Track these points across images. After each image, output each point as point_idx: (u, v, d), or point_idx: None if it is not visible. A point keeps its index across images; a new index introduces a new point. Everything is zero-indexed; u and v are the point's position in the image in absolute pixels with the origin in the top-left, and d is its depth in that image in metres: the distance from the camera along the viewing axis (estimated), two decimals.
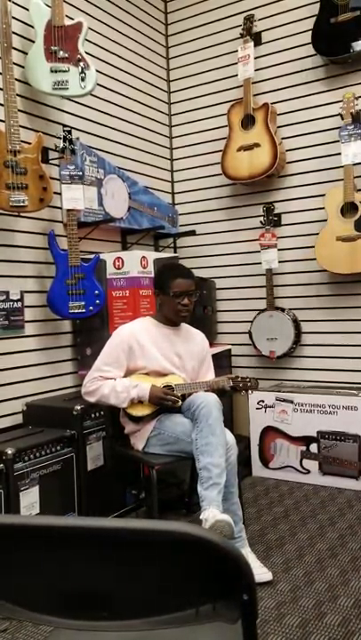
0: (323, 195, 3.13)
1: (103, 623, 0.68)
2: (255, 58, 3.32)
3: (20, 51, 2.62)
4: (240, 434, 3.26)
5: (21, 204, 2.35)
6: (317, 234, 3.11)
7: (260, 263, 3.33)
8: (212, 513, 1.80)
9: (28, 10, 2.62)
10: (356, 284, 3.15)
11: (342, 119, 2.96)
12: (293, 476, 3.02)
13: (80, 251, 2.64)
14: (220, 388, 2.19)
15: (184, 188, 3.80)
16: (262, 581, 1.97)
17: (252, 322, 3.37)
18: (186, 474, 2.67)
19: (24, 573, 0.69)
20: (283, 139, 3.33)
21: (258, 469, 3.14)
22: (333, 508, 2.65)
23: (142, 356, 2.19)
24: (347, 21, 2.94)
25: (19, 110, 2.43)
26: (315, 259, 3.11)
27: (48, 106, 2.80)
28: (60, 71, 2.57)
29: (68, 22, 2.60)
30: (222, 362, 3.40)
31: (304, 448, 2.99)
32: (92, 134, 3.12)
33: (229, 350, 3.56)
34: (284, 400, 3.06)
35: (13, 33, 2.47)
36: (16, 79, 2.46)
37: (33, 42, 2.59)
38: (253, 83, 3.31)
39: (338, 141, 3.00)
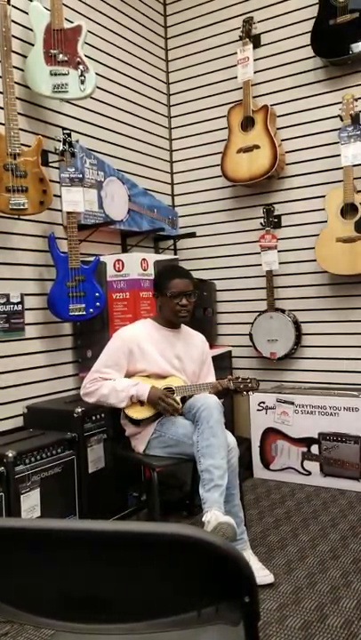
0: (323, 196, 3.13)
1: (104, 626, 0.68)
2: (254, 60, 3.33)
3: (19, 54, 2.63)
4: (241, 435, 3.25)
5: (21, 207, 2.35)
6: (318, 235, 3.11)
7: (260, 265, 3.33)
8: (214, 515, 1.80)
9: (27, 13, 2.62)
10: (356, 284, 3.15)
11: (342, 120, 2.97)
12: (295, 478, 3.02)
13: (80, 253, 2.64)
14: (224, 388, 2.18)
15: (184, 190, 3.80)
16: (264, 583, 1.97)
17: (252, 323, 3.37)
18: (187, 476, 2.67)
19: (25, 576, 0.69)
20: (282, 140, 3.34)
21: (259, 471, 3.13)
22: (335, 510, 2.64)
23: (142, 359, 2.19)
24: (346, 23, 2.95)
25: (18, 113, 2.43)
26: (315, 260, 3.12)
27: (48, 109, 2.81)
28: (59, 74, 2.58)
29: (67, 25, 2.61)
30: (223, 363, 3.40)
31: (305, 449, 2.99)
32: (92, 137, 3.12)
33: (230, 352, 3.55)
34: (284, 401, 3.05)
35: (13, 36, 2.47)
36: (16, 82, 2.47)
37: (32, 45, 2.60)
38: (253, 85, 3.32)
39: (338, 143, 3.00)
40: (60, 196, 2.70)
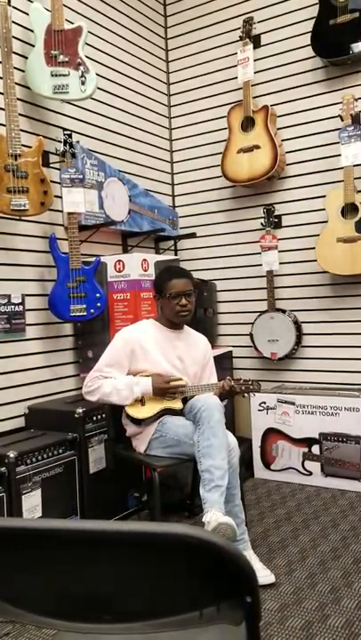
0: (323, 196, 3.14)
1: (106, 626, 0.68)
2: (255, 60, 3.33)
3: (20, 55, 2.63)
4: (242, 436, 3.25)
5: (22, 208, 2.36)
6: (318, 235, 3.11)
7: (260, 265, 3.34)
8: (214, 515, 1.80)
9: (28, 14, 2.63)
10: (357, 285, 3.15)
11: (342, 120, 2.97)
12: (295, 478, 3.02)
13: (81, 254, 2.64)
14: (227, 390, 2.17)
15: (184, 191, 3.80)
16: (265, 584, 1.97)
17: (253, 324, 3.37)
18: (188, 476, 2.67)
19: (27, 576, 0.69)
20: (283, 140, 3.34)
21: (260, 471, 3.13)
22: (336, 510, 2.65)
23: (144, 359, 2.19)
24: (346, 23, 2.95)
25: (19, 114, 2.44)
26: (315, 260, 3.12)
27: (48, 110, 2.81)
28: (60, 75, 2.58)
29: (68, 26, 2.61)
30: (223, 364, 3.40)
31: (306, 450, 2.99)
32: (93, 137, 3.13)
33: (231, 352, 3.56)
34: (285, 402, 3.06)
35: (14, 37, 2.48)
36: (16, 83, 2.47)
37: (33, 46, 2.60)
38: (253, 85, 3.32)
39: (338, 143, 3.00)
40: (60, 197, 2.70)
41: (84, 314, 2.64)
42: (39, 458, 2.19)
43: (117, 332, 2.28)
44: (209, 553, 0.62)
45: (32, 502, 2.13)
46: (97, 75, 2.74)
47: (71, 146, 2.65)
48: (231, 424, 3.36)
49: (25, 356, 2.64)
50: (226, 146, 3.37)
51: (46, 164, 2.72)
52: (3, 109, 2.46)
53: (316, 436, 2.95)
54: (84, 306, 2.64)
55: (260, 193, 3.46)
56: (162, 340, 2.24)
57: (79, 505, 2.36)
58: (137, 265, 2.80)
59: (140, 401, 2.16)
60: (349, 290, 3.19)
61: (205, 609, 0.66)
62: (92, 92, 2.65)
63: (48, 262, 2.72)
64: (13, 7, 2.61)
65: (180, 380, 2.17)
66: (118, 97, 3.36)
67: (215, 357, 2.51)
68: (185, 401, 2.19)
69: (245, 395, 2.21)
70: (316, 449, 2.96)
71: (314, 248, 3.13)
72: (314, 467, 2.97)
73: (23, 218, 2.53)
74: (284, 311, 3.31)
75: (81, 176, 2.68)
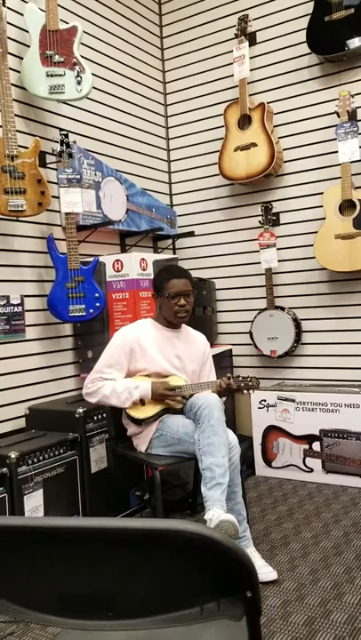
0: (321, 193, 3.14)
1: (109, 622, 0.69)
2: (250, 58, 3.33)
3: (15, 56, 2.63)
4: (242, 433, 3.26)
5: (20, 209, 2.36)
6: (316, 232, 3.11)
7: (259, 263, 3.34)
8: (216, 513, 1.81)
9: (22, 15, 2.63)
10: (355, 281, 3.15)
11: (338, 117, 2.97)
12: (297, 475, 3.02)
13: (79, 254, 2.65)
14: (225, 388, 2.18)
15: (182, 190, 3.80)
16: (268, 580, 1.98)
17: (252, 321, 3.38)
18: (189, 475, 2.67)
19: (29, 574, 0.69)
20: (279, 138, 3.34)
21: (261, 469, 3.14)
22: (337, 506, 2.65)
23: (143, 358, 2.19)
24: (341, 19, 2.95)
25: (15, 115, 2.44)
26: (314, 257, 3.12)
27: (45, 110, 2.81)
28: (55, 75, 2.58)
29: (62, 26, 2.61)
30: (223, 362, 3.40)
31: (307, 446, 2.99)
32: (89, 137, 3.13)
33: (230, 350, 3.56)
34: (285, 399, 3.06)
35: (8, 38, 2.48)
36: (12, 84, 2.47)
37: (28, 47, 2.60)
38: (249, 82, 3.32)
39: (335, 139, 3.01)
40: (58, 197, 2.71)
41: (84, 314, 2.65)
42: (40, 458, 2.19)
43: (116, 331, 2.28)
44: (209, 549, 0.62)
45: (34, 502, 2.13)
46: (93, 74, 2.74)
47: (68, 146, 2.65)
48: (232, 422, 3.37)
49: (25, 357, 2.64)
50: (223, 144, 3.37)
51: (43, 164, 2.73)
52: None
53: (317, 433, 2.96)
54: (83, 306, 2.64)
55: (258, 191, 3.47)
56: (160, 339, 2.24)
57: (81, 504, 2.36)
58: (135, 264, 2.80)
59: (141, 401, 2.16)
60: (348, 286, 3.19)
61: (206, 605, 0.66)
62: (88, 91, 2.65)
63: (46, 263, 2.72)
64: (8, 8, 2.61)
65: (180, 389, 2.16)
66: (114, 96, 3.35)
67: (215, 356, 2.52)
68: (185, 399, 2.19)
69: (245, 392, 2.21)
70: (316, 446, 2.96)
71: (312, 245, 3.13)
72: (315, 463, 2.97)
73: (21, 218, 2.54)
74: (283, 309, 3.31)
75: (78, 176, 2.69)
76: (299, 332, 3.30)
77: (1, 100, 2.35)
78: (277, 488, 2.95)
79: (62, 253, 2.63)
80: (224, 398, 2.17)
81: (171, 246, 3.78)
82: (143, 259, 2.87)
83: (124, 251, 3.32)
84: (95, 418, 2.45)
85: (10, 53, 2.48)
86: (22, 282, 2.64)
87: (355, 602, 1.85)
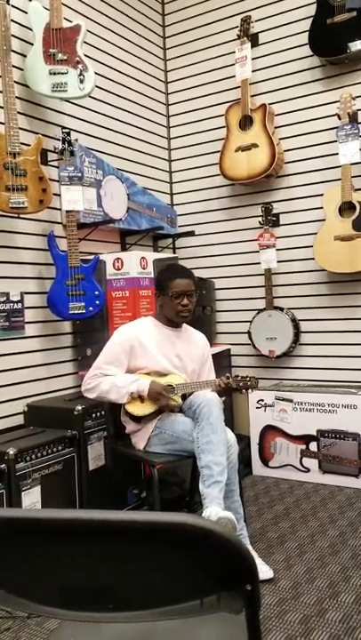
0: (321, 194, 3.15)
1: (108, 614, 0.69)
2: (252, 59, 3.34)
3: (19, 53, 2.63)
4: (240, 433, 3.27)
5: (21, 206, 2.36)
6: (316, 233, 3.13)
7: (258, 263, 3.35)
8: (214, 510, 1.82)
9: (26, 13, 2.63)
10: (354, 282, 3.16)
11: (340, 119, 2.98)
12: (293, 475, 3.03)
13: (80, 252, 2.65)
14: (224, 387, 2.18)
15: (183, 189, 3.81)
16: (264, 579, 1.99)
17: (251, 321, 3.39)
18: (187, 473, 2.68)
19: (29, 566, 0.70)
20: (281, 139, 3.35)
21: (258, 468, 3.15)
22: (334, 506, 2.66)
23: (143, 356, 2.20)
24: (343, 22, 2.96)
25: (18, 112, 2.44)
26: (313, 258, 3.13)
27: (47, 108, 2.82)
28: (58, 73, 2.59)
29: (66, 25, 2.61)
30: (222, 361, 3.41)
31: (304, 447, 3.00)
32: (91, 136, 3.13)
33: (229, 350, 3.57)
34: (283, 399, 3.07)
35: (12, 36, 2.48)
36: (15, 82, 2.47)
37: (32, 44, 2.61)
38: (251, 83, 3.33)
39: (335, 141, 3.01)
40: (59, 195, 2.71)
41: (83, 312, 2.65)
42: (39, 455, 2.19)
43: (116, 329, 2.29)
44: (210, 542, 0.63)
45: (32, 499, 2.14)
46: (95, 73, 2.74)
47: (70, 144, 2.65)
48: (230, 421, 3.37)
49: (24, 354, 2.65)
50: (224, 144, 3.38)
51: (45, 162, 2.73)
52: (1, 108, 2.47)
53: (314, 433, 2.97)
54: (83, 304, 2.65)
55: (259, 191, 3.48)
56: (161, 338, 2.25)
57: (78, 502, 2.37)
58: (136, 263, 2.81)
59: (140, 398, 2.16)
60: (347, 288, 3.20)
61: (206, 597, 0.67)
62: (90, 90, 2.66)
63: (47, 260, 2.72)
64: (12, 6, 2.61)
65: (176, 403, 2.16)
66: (117, 95, 3.36)
67: (214, 355, 2.52)
68: (184, 398, 2.20)
69: (243, 391, 2.22)
70: (313, 446, 2.97)
71: (312, 246, 3.14)
72: (312, 463, 2.98)
73: (22, 216, 2.54)
74: (282, 309, 3.32)
75: (79, 174, 2.69)
76: (297, 332, 3.31)
77: (4, 97, 2.36)
78: (274, 487, 2.96)
79: (63, 251, 2.64)
80: (223, 398, 2.18)
81: (171, 245, 3.79)
82: (143, 257, 2.88)
83: (124, 249, 3.33)
84: (94, 415, 2.46)
85: (13, 51, 2.48)
86: (22, 279, 2.65)
87: (350, 601, 1.86)
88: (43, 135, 2.59)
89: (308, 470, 2.99)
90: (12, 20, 2.57)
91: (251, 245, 3.50)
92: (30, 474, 2.14)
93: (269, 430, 3.11)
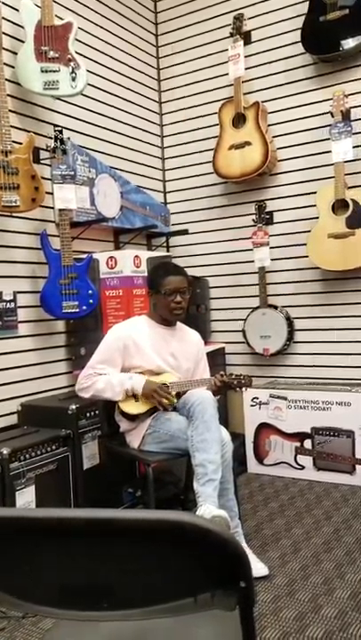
0: (314, 192, 3.15)
1: (103, 613, 0.69)
2: (245, 56, 3.33)
3: (10, 51, 2.62)
4: (235, 431, 3.27)
5: (13, 205, 2.35)
6: (309, 231, 3.13)
7: (252, 261, 3.35)
8: (208, 509, 1.82)
9: (18, 10, 2.62)
10: (347, 280, 3.17)
11: (333, 117, 2.98)
12: (288, 472, 3.04)
13: (73, 250, 2.64)
14: (219, 385, 2.18)
15: (176, 187, 3.81)
16: (259, 576, 1.99)
17: (245, 320, 3.39)
18: (182, 472, 2.68)
19: (24, 566, 0.69)
20: (274, 137, 3.35)
21: (253, 466, 3.15)
22: (328, 503, 2.67)
23: (137, 355, 2.19)
24: (336, 20, 2.96)
25: (9, 110, 2.43)
26: (307, 256, 3.13)
27: (39, 106, 2.80)
28: (50, 71, 2.57)
29: (57, 22, 2.60)
30: (216, 360, 3.41)
31: (298, 444, 3.01)
32: (84, 134, 3.12)
33: (223, 348, 3.57)
34: (278, 397, 3.08)
35: (3, 33, 2.46)
36: (6, 79, 2.46)
37: (23, 42, 2.59)
38: (244, 81, 3.33)
39: (328, 139, 3.02)
40: (52, 194, 2.70)
41: (77, 310, 2.64)
42: (33, 454, 2.18)
43: (110, 328, 2.28)
44: (204, 539, 0.63)
45: (26, 498, 2.13)
46: (87, 71, 2.73)
47: (62, 142, 2.64)
48: (225, 419, 3.37)
49: (17, 354, 2.63)
50: (217, 142, 3.37)
51: (37, 160, 2.72)
52: None
53: (309, 431, 2.97)
54: (77, 303, 2.64)
55: (252, 189, 3.48)
56: (155, 337, 2.24)
57: (73, 501, 2.36)
58: (129, 261, 2.81)
59: (134, 397, 2.16)
60: (340, 285, 3.21)
61: (200, 595, 0.67)
62: (82, 88, 2.65)
63: (40, 259, 2.71)
64: (3, 3, 2.60)
65: (171, 402, 2.15)
66: (109, 93, 3.35)
67: (208, 354, 2.52)
68: (178, 396, 2.20)
69: (237, 389, 2.22)
70: (308, 443, 2.98)
71: (305, 244, 3.15)
72: (306, 461, 2.99)
73: (14, 214, 2.53)
74: (276, 307, 3.32)
75: (72, 172, 2.68)
76: (291, 330, 3.31)
77: None
78: (269, 485, 2.96)
79: (56, 250, 2.62)
80: (218, 396, 2.17)
81: (164, 244, 3.78)
82: (137, 256, 2.87)
83: (117, 248, 3.32)
84: (88, 414, 2.45)
85: (4, 48, 2.46)
86: (15, 278, 2.64)
87: (345, 597, 1.86)
88: (35, 133, 2.58)
89: (302, 468, 3.00)
90: (3, 18, 2.55)
91: (244, 243, 3.50)
92: (24, 473, 2.13)
93: (264, 428, 3.12)
